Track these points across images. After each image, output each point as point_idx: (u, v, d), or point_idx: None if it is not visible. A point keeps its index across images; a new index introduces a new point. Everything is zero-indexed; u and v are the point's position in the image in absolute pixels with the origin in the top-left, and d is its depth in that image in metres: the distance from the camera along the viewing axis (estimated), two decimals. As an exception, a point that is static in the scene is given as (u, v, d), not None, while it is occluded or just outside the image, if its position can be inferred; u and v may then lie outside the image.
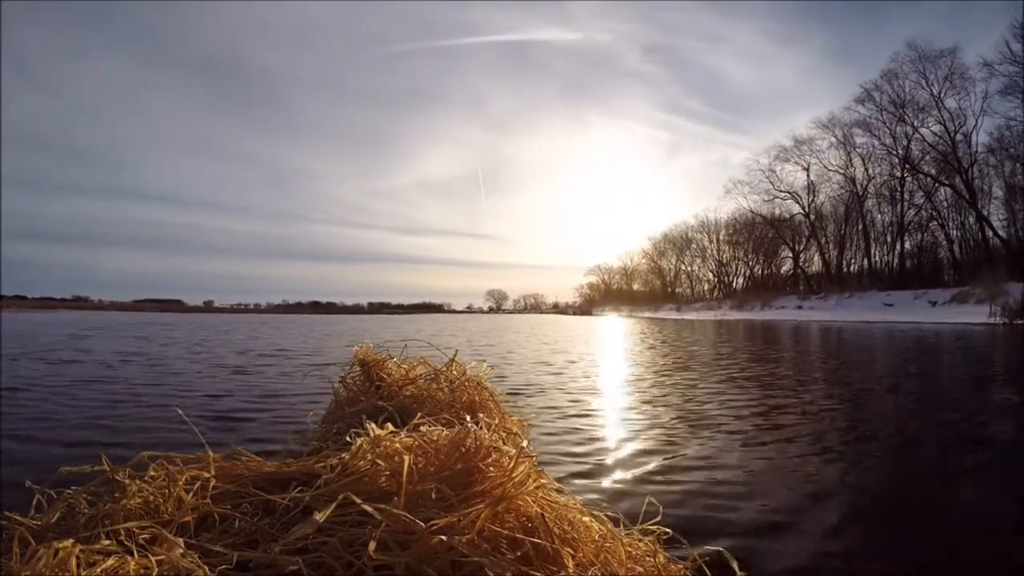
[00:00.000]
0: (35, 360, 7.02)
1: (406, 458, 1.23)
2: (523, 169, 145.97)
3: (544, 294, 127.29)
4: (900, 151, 43.53)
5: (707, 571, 1.18)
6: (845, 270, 49.63)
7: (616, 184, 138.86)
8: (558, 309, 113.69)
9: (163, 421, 3.38)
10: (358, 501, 1.10)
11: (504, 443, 1.33)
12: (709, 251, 68.63)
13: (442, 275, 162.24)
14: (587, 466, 2.49)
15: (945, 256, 43.42)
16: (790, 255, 56.77)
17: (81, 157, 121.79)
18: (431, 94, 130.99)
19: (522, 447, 1.28)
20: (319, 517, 1.08)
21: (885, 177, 45.89)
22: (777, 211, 55.57)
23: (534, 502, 1.14)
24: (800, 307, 42.19)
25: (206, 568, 1.00)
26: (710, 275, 70.11)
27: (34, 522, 1.19)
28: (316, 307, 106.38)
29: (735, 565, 1.20)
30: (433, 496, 1.17)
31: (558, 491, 1.36)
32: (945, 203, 42.61)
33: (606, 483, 2.27)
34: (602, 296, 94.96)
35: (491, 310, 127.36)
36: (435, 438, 1.37)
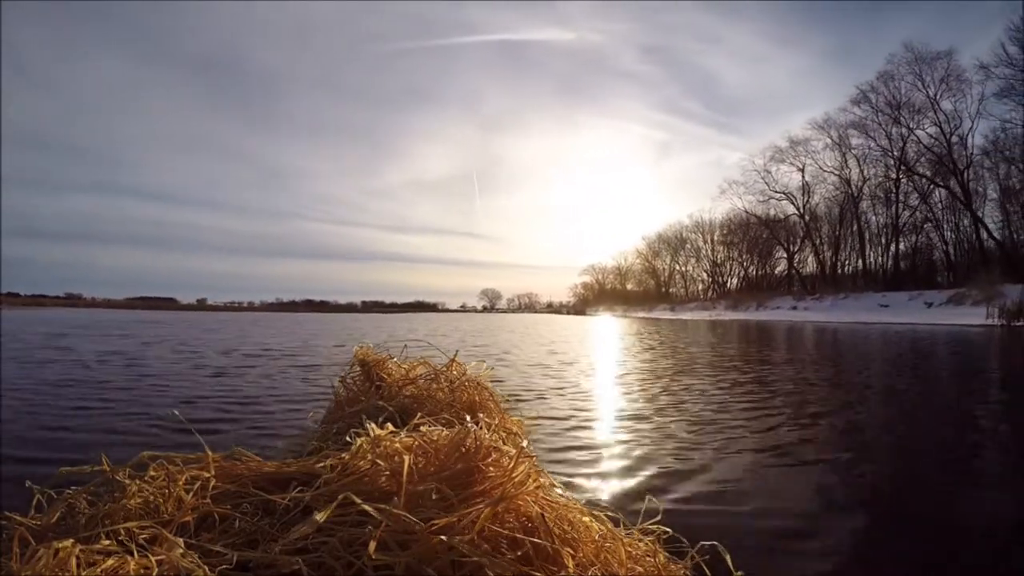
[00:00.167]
0: (8, 361, 6.73)
1: (406, 458, 1.23)
2: (518, 168, 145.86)
3: (538, 293, 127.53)
4: (896, 152, 43.79)
5: (706, 570, 1.18)
6: (840, 271, 49.88)
7: (611, 184, 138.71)
8: (552, 309, 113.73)
9: (124, 433, 3.11)
10: (358, 501, 1.10)
11: (504, 443, 1.34)
12: (703, 251, 68.90)
13: (436, 274, 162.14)
14: (603, 494, 2.20)
15: (939, 258, 43.71)
16: (784, 256, 57.05)
17: (77, 155, 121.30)
18: (426, 93, 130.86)
19: (522, 447, 1.29)
20: (319, 517, 1.09)
21: (880, 178, 46.14)
22: (772, 212, 55.85)
23: (534, 502, 1.15)
24: (795, 308, 42.32)
25: (206, 568, 1.00)
26: (704, 275, 70.40)
27: (34, 522, 1.19)
28: (310, 306, 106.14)
29: (730, 563, 1.21)
30: (433, 496, 1.17)
31: (559, 492, 1.37)
32: (940, 205, 42.90)
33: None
34: (596, 296, 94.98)
35: (485, 309, 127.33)
36: (435, 438, 1.37)
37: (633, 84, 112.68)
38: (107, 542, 1.04)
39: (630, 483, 2.32)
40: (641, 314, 62.40)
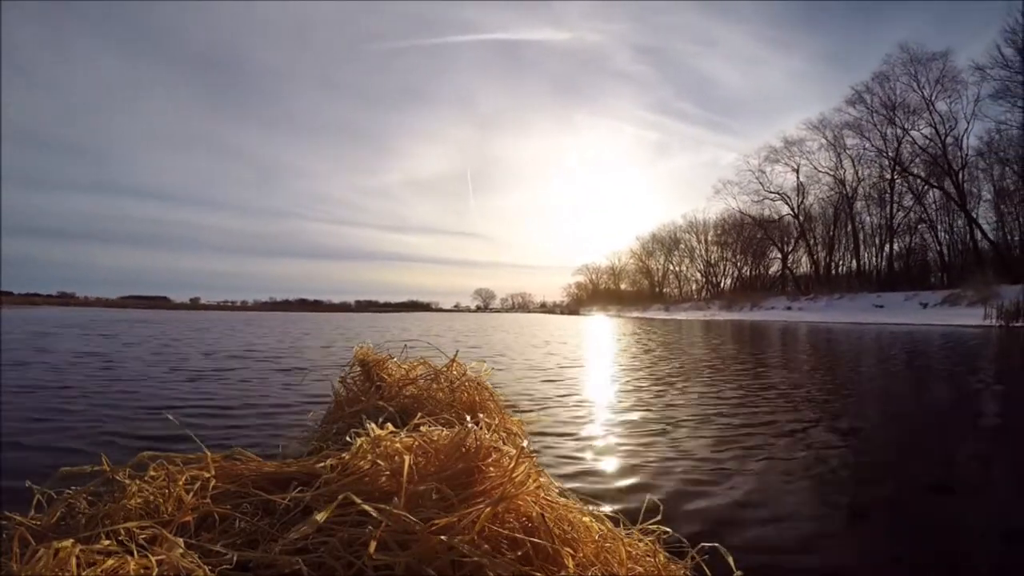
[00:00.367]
0: (-19, 363, 6.41)
1: (406, 458, 1.23)
2: (512, 168, 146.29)
3: (532, 293, 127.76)
4: (890, 153, 43.99)
5: (707, 571, 1.19)
6: (833, 272, 50.07)
7: (605, 184, 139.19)
8: (546, 308, 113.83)
9: (63, 452, 2.75)
10: (358, 501, 1.10)
11: (504, 443, 1.34)
12: (697, 251, 69.10)
13: (430, 273, 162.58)
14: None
15: (933, 258, 43.91)
16: (778, 256, 57.23)
17: (71, 153, 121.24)
18: (422, 92, 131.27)
19: (522, 447, 1.29)
20: (319, 517, 1.09)
21: (875, 179, 46.40)
22: (766, 212, 56.07)
23: (534, 502, 1.15)
24: (790, 308, 42.46)
25: (206, 568, 1.00)
26: (698, 275, 70.56)
27: (34, 522, 1.19)
28: (303, 305, 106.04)
29: (732, 563, 1.21)
30: (433, 496, 1.17)
31: (559, 492, 1.37)
32: (934, 206, 43.13)
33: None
34: (590, 296, 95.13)
35: (478, 309, 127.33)
36: (435, 438, 1.37)
37: (628, 84, 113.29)
38: (107, 542, 1.04)
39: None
40: (635, 314, 62.44)
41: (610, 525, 1.24)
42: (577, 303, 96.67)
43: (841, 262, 51.06)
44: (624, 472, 2.55)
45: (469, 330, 19.54)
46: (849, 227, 49.07)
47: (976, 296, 27.61)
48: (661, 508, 1.41)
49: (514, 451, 1.28)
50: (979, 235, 39.31)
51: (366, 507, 1.08)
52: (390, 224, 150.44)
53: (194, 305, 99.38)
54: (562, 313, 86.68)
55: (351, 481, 1.25)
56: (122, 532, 1.08)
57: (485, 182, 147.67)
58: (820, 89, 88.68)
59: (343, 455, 1.36)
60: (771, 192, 54.21)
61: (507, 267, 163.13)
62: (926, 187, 42.59)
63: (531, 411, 3.92)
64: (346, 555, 1.03)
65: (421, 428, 1.48)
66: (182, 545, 1.05)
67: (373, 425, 1.43)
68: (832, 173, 49.39)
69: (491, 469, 1.24)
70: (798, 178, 51.98)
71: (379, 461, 1.29)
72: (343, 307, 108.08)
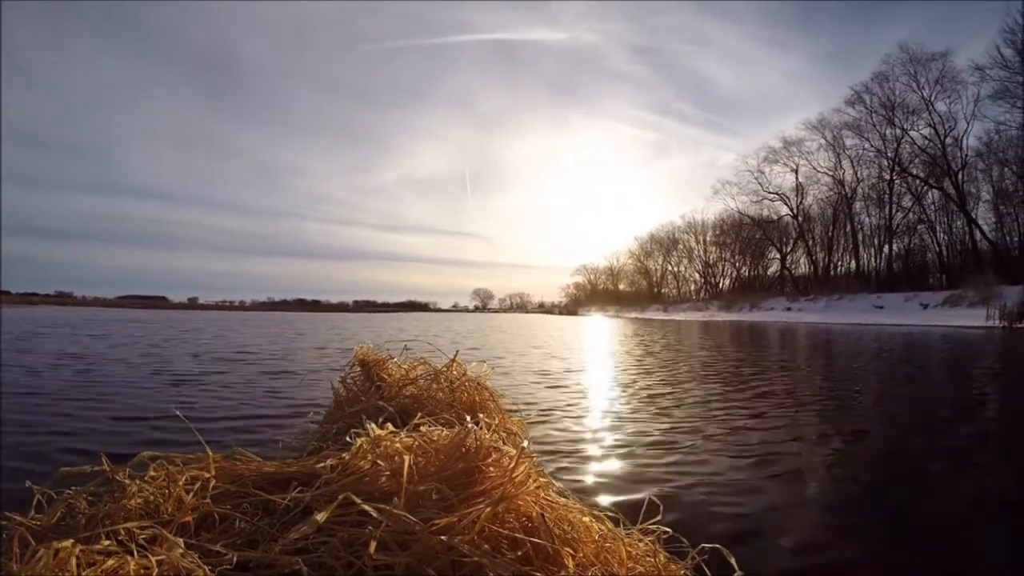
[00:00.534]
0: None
1: (406, 458, 1.23)
2: (510, 168, 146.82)
3: (530, 293, 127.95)
4: (890, 154, 44.06)
5: (706, 570, 1.19)
6: (832, 272, 50.09)
7: (603, 184, 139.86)
8: (544, 309, 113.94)
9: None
10: (358, 501, 1.10)
11: (504, 443, 1.34)
12: (696, 252, 69.20)
13: (428, 273, 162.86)
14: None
15: (932, 259, 43.92)
16: (777, 257, 57.30)
17: (70, 153, 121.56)
18: (420, 91, 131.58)
19: (522, 447, 1.29)
20: (319, 517, 1.09)
21: (874, 180, 46.47)
22: (765, 212, 56.13)
23: (534, 502, 1.15)
24: (789, 309, 42.49)
25: (206, 568, 1.00)
26: (697, 276, 70.67)
27: (34, 522, 1.19)
28: (301, 305, 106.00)
29: (734, 563, 1.22)
30: (433, 496, 1.17)
31: (559, 492, 1.37)
32: (933, 206, 43.17)
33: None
34: (588, 296, 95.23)
35: (476, 309, 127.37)
36: (435, 438, 1.37)
37: (625, 84, 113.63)
38: (107, 542, 1.04)
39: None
40: (633, 314, 62.47)
41: (610, 525, 1.24)
42: (575, 303, 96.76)
43: (840, 263, 51.22)
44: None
45: (468, 331, 19.27)
46: (848, 228, 49.22)
47: (977, 297, 27.61)
48: (661, 508, 1.41)
49: (514, 451, 1.28)
50: (978, 236, 39.39)
51: (366, 507, 1.08)
52: (388, 224, 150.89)
53: (192, 305, 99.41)
54: (560, 313, 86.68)
55: (351, 481, 1.25)
56: (122, 532, 1.08)
57: (483, 182, 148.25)
58: (817, 89, 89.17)
59: (343, 455, 1.35)
60: (770, 192, 54.39)
61: (505, 267, 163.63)
62: (925, 188, 42.67)
63: (539, 438, 3.41)
64: (346, 555, 1.03)
65: (421, 428, 1.47)
66: (182, 545, 1.05)
67: (373, 425, 1.43)
68: (831, 173, 49.57)
69: (491, 469, 1.24)
70: (797, 178, 52.17)
71: (379, 461, 1.29)
72: (341, 307, 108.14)
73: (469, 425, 1.37)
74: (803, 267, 54.75)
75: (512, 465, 1.23)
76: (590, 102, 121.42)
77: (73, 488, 1.31)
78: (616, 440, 3.30)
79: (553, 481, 1.53)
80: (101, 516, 1.16)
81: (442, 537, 1.03)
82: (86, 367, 6.44)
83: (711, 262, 67.16)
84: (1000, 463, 2.97)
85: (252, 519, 1.22)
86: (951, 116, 39.73)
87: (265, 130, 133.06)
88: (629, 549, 1.16)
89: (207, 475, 1.30)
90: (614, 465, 2.80)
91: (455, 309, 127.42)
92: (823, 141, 48.92)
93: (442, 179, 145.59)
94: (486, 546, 1.04)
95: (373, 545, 1.00)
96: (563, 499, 1.29)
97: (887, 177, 44.86)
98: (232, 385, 5.26)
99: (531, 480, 1.21)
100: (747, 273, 61.95)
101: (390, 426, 1.48)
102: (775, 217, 55.51)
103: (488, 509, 1.08)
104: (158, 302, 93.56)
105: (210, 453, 1.35)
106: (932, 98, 40.21)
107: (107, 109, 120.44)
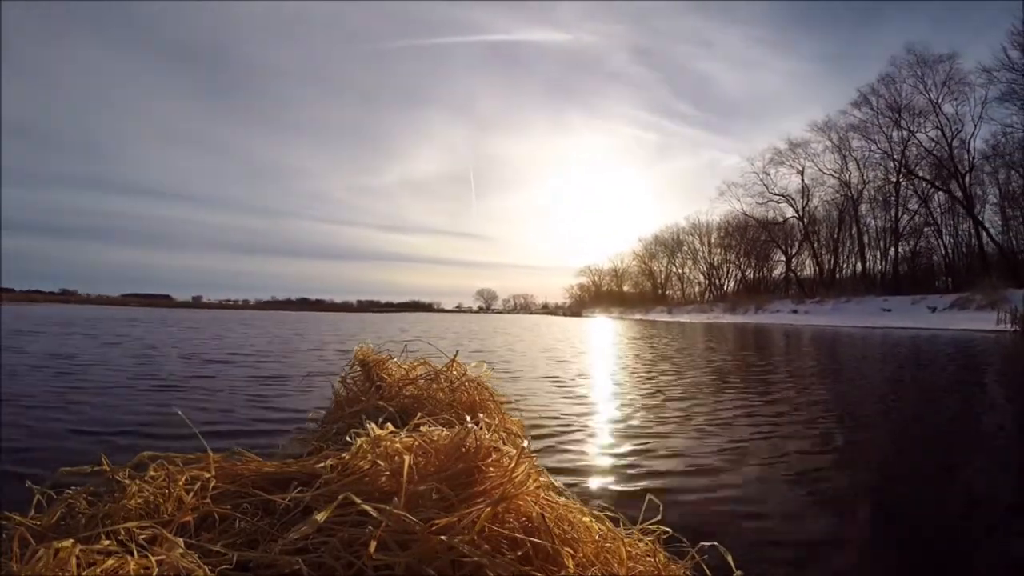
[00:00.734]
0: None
1: (406, 458, 1.23)
2: (513, 169, 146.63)
3: (534, 294, 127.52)
4: (896, 156, 43.85)
5: (706, 569, 1.18)
6: (837, 275, 49.81)
7: (605, 185, 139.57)
8: (548, 310, 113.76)
9: None
10: (358, 501, 1.10)
11: (504, 443, 1.34)
12: (700, 253, 69.03)
13: (432, 274, 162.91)
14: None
15: (938, 262, 43.65)
16: (782, 259, 57.06)
17: (74, 150, 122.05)
18: (421, 92, 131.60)
19: (522, 447, 1.29)
20: (319, 517, 1.08)
21: (880, 182, 46.22)
22: (770, 214, 55.95)
23: (534, 502, 1.15)
24: (796, 311, 42.23)
25: (206, 568, 1.00)
26: (701, 277, 70.49)
27: (34, 522, 1.19)
28: (304, 304, 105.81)
29: (732, 562, 1.20)
30: (433, 496, 1.17)
31: (559, 492, 1.37)
32: (939, 209, 42.92)
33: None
34: (592, 297, 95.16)
35: (480, 310, 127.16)
36: (435, 438, 1.37)
37: (627, 86, 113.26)
38: (107, 542, 1.04)
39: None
40: (638, 316, 62.25)
41: (610, 525, 1.24)
42: (579, 305, 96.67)
43: (845, 265, 50.93)
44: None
45: (471, 332, 18.71)
46: (854, 230, 48.93)
47: (985, 300, 27.39)
48: (661, 507, 1.40)
49: (514, 451, 1.27)
50: (985, 239, 39.09)
51: (366, 507, 1.08)
52: (392, 224, 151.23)
53: (195, 304, 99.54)
54: (564, 315, 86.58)
55: (351, 481, 1.25)
56: (122, 532, 1.08)
57: (487, 183, 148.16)
58: (819, 92, 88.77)
59: (343, 455, 1.36)
60: (775, 194, 54.16)
61: (509, 268, 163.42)
62: (932, 190, 42.42)
63: (565, 445, 3.14)
64: (346, 555, 1.03)
65: (421, 428, 1.47)
66: (182, 545, 1.05)
67: (373, 425, 1.43)
68: (837, 175, 49.32)
69: (491, 469, 1.23)
70: (803, 180, 51.93)
71: (379, 461, 1.29)
72: (345, 307, 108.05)
73: (469, 425, 1.37)
74: (808, 269, 54.62)
75: (512, 465, 1.22)
76: (591, 103, 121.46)
77: (73, 488, 1.31)
78: (641, 458, 2.92)
79: (553, 481, 1.52)
80: (101, 516, 1.16)
81: (442, 537, 1.02)
82: (68, 369, 6.09)
83: (716, 264, 67.09)
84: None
85: (252, 519, 1.22)
86: (958, 118, 39.53)
87: (271, 131, 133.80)
88: (629, 549, 1.15)
89: (207, 475, 1.30)
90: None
91: (459, 310, 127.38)
92: (829, 143, 48.78)
93: (446, 180, 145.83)
94: (486, 546, 1.04)
95: (373, 545, 1.00)
96: (563, 499, 1.29)
97: (893, 179, 44.66)
98: (216, 392, 4.83)
99: (531, 480, 1.20)
100: (752, 275, 61.80)
101: (390, 426, 1.48)
102: (780, 219, 55.39)
103: (488, 509, 1.08)
104: (162, 301, 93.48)
105: (210, 453, 1.36)
106: (939, 100, 40.04)
107: (115, 108, 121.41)
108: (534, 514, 1.12)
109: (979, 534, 2.05)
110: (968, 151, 39.49)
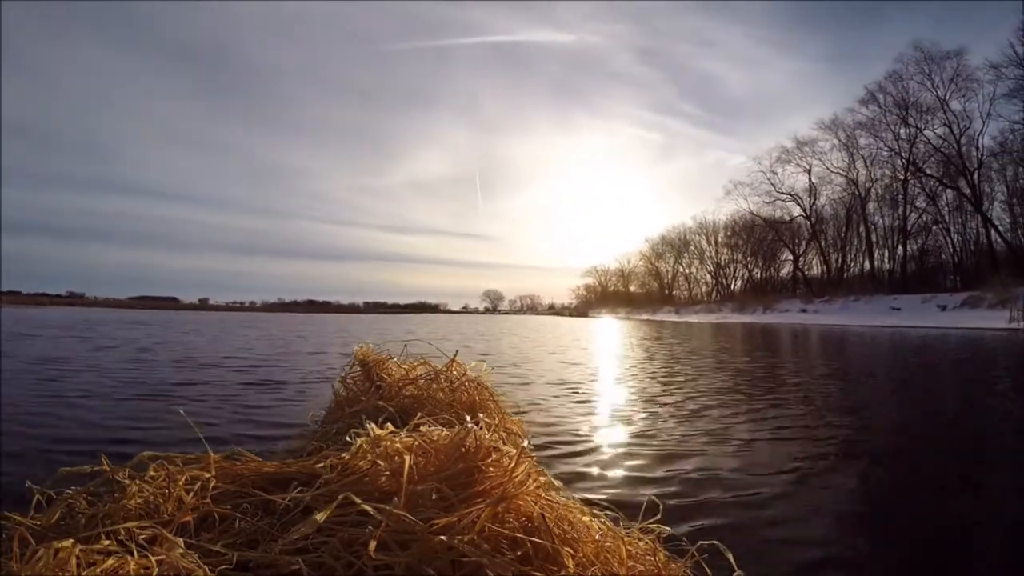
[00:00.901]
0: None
1: (406, 458, 1.23)
2: (519, 170, 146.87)
3: (540, 295, 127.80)
4: (904, 153, 43.49)
5: (706, 569, 1.17)
6: (845, 274, 49.48)
7: (612, 186, 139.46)
8: (554, 310, 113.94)
9: None
10: (358, 501, 1.09)
11: (504, 443, 1.33)
12: (707, 253, 68.84)
13: (438, 275, 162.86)
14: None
15: (947, 260, 43.23)
16: (789, 258, 56.75)
17: (81, 152, 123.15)
18: (426, 93, 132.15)
19: (522, 447, 1.28)
20: (319, 517, 1.08)
21: (888, 180, 45.88)
22: (777, 213, 55.66)
23: (534, 502, 1.14)
24: (804, 310, 41.99)
25: (206, 568, 1.00)
26: (708, 277, 70.31)
27: (34, 522, 1.20)
28: (311, 306, 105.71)
29: (732, 561, 1.19)
30: (433, 496, 1.17)
31: (559, 491, 1.36)
32: (947, 207, 42.51)
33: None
34: (599, 298, 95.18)
35: (487, 311, 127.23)
36: (435, 438, 1.37)
37: (631, 86, 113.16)
38: (107, 542, 1.04)
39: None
40: (645, 316, 62.06)
41: (610, 524, 1.23)
42: (586, 305, 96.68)
43: (853, 263, 50.58)
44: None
45: (478, 334, 18.30)
46: (861, 228, 48.62)
47: (996, 298, 27.13)
48: (660, 507, 1.39)
49: (514, 451, 1.27)
50: (994, 236, 38.72)
51: (366, 507, 1.08)
52: (398, 226, 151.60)
53: (202, 306, 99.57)
54: (571, 315, 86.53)
55: (351, 481, 1.25)
56: (122, 532, 1.08)
57: (493, 183, 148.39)
58: (823, 90, 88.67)
59: (343, 455, 1.35)
60: (782, 193, 53.92)
61: (515, 268, 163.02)
62: (940, 187, 42.02)
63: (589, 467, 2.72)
64: (346, 555, 1.03)
65: (421, 428, 1.47)
66: (182, 545, 1.05)
67: (373, 425, 1.43)
68: (844, 174, 49.06)
69: (491, 469, 1.23)
70: (810, 179, 51.72)
71: (379, 461, 1.28)
72: (351, 308, 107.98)
73: (469, 425, 1.36)
74: (815, 269, 54.28)
75: (512, 465, 1.22)
76: (595, 103, 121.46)
77: (73, 488, 1.31)
78: (691, 486, 2.47)
79: (553, 481, 1.51)
80: (101, 516, 1.17)
81: (442, 537, 1.02)
82: (55, 375, 5.80)
83: (723, 264, 66.88)
84: None
85: (252, 519, 1.22)
86: (966, 115, 39.19)
87: (278, 133, 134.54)
88: (629, 548, 1.14)
89: (207, 475, 1.30)
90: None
91: (465, 311, 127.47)
92: (836, 141, 48.50)
93: (452, 181, 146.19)
94: (486, 546, 1.03)
95: (373, 545, 1.00)
96: (563, 499, 1.28)
97: (901, 177, 44.32)
98: (203, 400, 4.51)
99: (531, 480, 1.20)
100: (759, 275, 61.52)
101: (390, 426, 1.47)
102: (788, 218, 55.12)
103: (488, 509, 1.08)
104: (169, 303, 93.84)
105: (211, 453, 1.36)
106: (947, 97, 39.70)
107: (114, 108, 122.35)
108: (534, 514, 1.11)
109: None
110: (976, 148, 39.21)
